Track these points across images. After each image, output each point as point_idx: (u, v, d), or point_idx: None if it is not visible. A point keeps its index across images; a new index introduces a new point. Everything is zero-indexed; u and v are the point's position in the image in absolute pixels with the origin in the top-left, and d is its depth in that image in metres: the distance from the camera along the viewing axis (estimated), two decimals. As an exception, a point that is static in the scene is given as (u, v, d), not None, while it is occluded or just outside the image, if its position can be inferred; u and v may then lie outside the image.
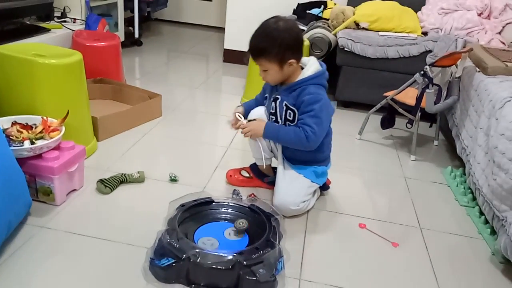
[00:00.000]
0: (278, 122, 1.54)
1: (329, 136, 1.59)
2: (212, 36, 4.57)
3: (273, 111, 1.55)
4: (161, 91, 2.40)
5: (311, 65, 1.49)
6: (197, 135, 2.18)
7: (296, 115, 1.48)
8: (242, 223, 1.34)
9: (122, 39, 3.39)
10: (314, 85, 1.46)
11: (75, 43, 2.47)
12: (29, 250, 1.26)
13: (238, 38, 3.46)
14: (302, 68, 1.50)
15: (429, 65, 2.03)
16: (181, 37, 4.49)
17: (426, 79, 2.00)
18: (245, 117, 1.60)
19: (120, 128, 2.08)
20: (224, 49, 3.60)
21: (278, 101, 1.52)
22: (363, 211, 1.66)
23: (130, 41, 3.74)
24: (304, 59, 1.52)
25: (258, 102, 1.68)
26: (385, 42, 2.53)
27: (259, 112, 1.61)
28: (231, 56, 3.57)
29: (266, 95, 1.61)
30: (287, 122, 1.51)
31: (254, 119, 1.55)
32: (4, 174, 1.18)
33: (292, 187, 1.53)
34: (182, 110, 2.48)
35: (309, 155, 1.55)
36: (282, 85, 1.52)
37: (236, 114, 1.56)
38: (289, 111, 1.49)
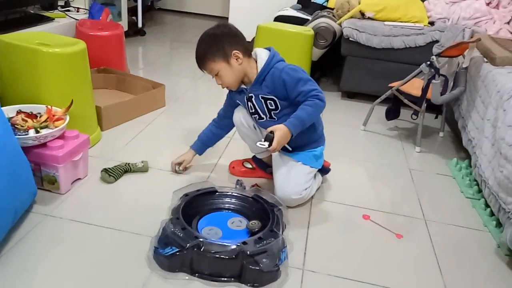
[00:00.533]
0: (262, 118, 1.52)
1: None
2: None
3: (253, 111, 1.53)
4: (164, 81, 2.39)
5: (260, 52, 1.48)
6: (200, 125, 2.15)
7: (278, 102, 1.47)
8: (255, 224, 1.33)
9: (126, 28, 3.38)
10: (278, 63, 1.45)
11: (78, 32, 2.46)
12: (34, 238, 1.26)
13: (242, 28, 3.41)
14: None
15: (435, 55, 2.00)
16: (184, 26, 4.46)
17: (433, 70, 1.98)
18: (203, 144, 1.69)
19: (124, 118, 2.08)
20: (228, 39, 3.58)
21: (253, 99, 1.50)
22: (367, 202, 1.65)
23: (134, 31, 3.73)
24: (253, 53, 1.50)
25: (223, 117, 1.68)
26: (391, 32, 2.50)
27: (240, 118, 1.60)
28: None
29: (237, 101, 1.59)
30: (272, 112, 1.50)
31: (271, 133, 1.37)
32: (10, 162, 1.19)
33: (291, 176, 1.52)
34: (185, 100, 2.47)
35: (304, 137, 1.50)
36: (248, 84, 1.50)
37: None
38: (269, 101, 1.48)
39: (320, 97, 1.41)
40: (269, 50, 1.49)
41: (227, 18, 3.58)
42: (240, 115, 1.60)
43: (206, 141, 1.71)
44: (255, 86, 1.48)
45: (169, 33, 4.07)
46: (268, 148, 1.36)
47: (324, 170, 1.68)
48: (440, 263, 1.36)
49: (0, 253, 1.18)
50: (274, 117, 1.50)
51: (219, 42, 1.43)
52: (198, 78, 2.89)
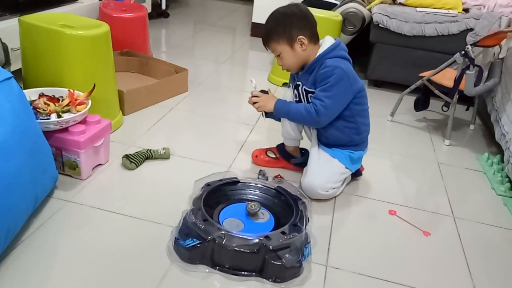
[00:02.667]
0: None
1: (365, 116, 1.50)
2: (239, 8, 4.46)
3: (297, 99, 1.51)
4: (186, 65, 2.35)
5: (325, 42, 1.44)
6: (222, 112, 2.14)
7: None
8: (254, 206, 1.30)
9: (149, 10, 3.34)
10: (331, 58, 1.39)
11: (102, 14, 2.44)
12: (54, 224, 1.26)
13: (268, 11, 3.33)
14: None
15: (471, 45, 1.90)
16: (208, 8, 4.40)
17: (467, 60, 1.88)
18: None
19: (146, 103, 2.05)
20: (252, 22, 3.51)
21: (299, 88, 1.47)
22: (393, 197, 1.59)
23: (157, 13, 3.69)
24: (321, 40, 1.46)
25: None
26: (422, 19, 2.39)
27: (289, 97, 1.57)
28: (259, 30, 3.45)
29: (291, 81, 1.57)
30: None
31: (266, 91, 1.52)
32: (31, 147, 1.17)
33: (324, 170, 1.47)
34: (208, 86, 2.43)
35: (344, 136, 1.48)
36: (301, 71, 1.48)
37: (251, 79, 1.56)
38: (309, 94, 1.44)
39: (319, 111, 1.39)
40: (335, 40, 1.45)
41: (252, 1, 3.50)
42: (289, 98, 1.57)
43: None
44: (305, 75, 1.45)
45: (192, 16, 4.02)
46: (252, 93, 1.51)
47: (356, 173, 1.62)
48: (469, 263, 1.31)
49: (21, 238, 1.18)
50: None
51: (286, 24, 1.38)
52: (221, 62, 2.84)
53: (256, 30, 3.50)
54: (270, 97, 1.50)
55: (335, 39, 1.46)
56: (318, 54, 1.42)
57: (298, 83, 1.48)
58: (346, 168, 1.50)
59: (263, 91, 1.53)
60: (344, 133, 1.47)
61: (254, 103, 1.51)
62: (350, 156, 1.51)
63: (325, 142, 1.53)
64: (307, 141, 1.64)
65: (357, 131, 1.49)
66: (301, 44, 1.39)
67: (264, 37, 1.44)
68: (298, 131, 1.60)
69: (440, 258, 1.32)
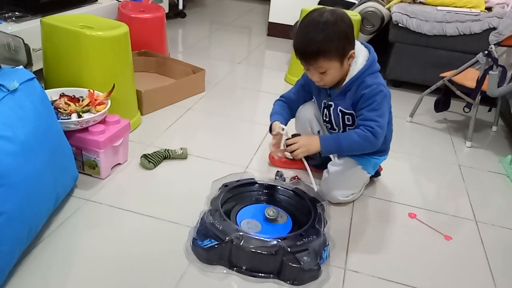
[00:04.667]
0: (334, 130, 1.41)
1: (391, 124, 1.46)
2: (256, 8, 4.45)
3: (327, 119, 1.41)
4: (203, 65, 2.36)
5: (358, 55, 1.30)
6: (239, 112, 2.13)
7: (355, 117, 1.34)
8: (273, 212, 1.29)
9: (167, 10, 3.36)
10: (369, 76, 1.29)
11: (120, 14, 2.46)
12: (74, 222, 1.27)
13: (284, 11, 3.33)
14: None
15: (494, 44, 1.86)
16: (225, 8, 4.40)
17: (490, 60, 1.84)
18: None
19: (164, 103, 2.06)
20: (269, 22, 3.49)
21: (332, 108, 1.37)
22: (413, 199, 1.57)
23: (174, 13, 3.70)
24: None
25: (293, 101, 1.50)
26: (443, 18, 2.35)
27: (307, 116, 1.48)
28: (276, 30, 3.46)
29: (314, 95, 1.46)
30: (347, 128, 1.38)
31: (299, 134, 1.33)
32: (53, 147, 1.19)
33: (345, 176, 1.43)
34: (224, 86, 2.43)
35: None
36: (334, 88, 1.36)
37: (279, 127, 1.33)
38: (346, 116, 1.35)
39: (377, 133, 1.27)
40: (368, 51, 1.33)
41: (268, 0, 3.48)
42: (311, 117, 1.47)
43: (284, 114, 1.47)
44: (340, 95, 1.34)
45: (209, 16, 4.03)
46: (286, 143, 1.26)
47: (375, 174, 1.58)
48: (492, 269, 1.27)
49: (42, 236, 1.19)
50: (347, 129, 1.39)
51: (340, 38, 1.22)
52: (238, 62, 2.83)
53: (273, 29, 3.49)
54: (309, 138, 1.30)
55: (367, 48, 1.34)
56: (356, 72, 1.30)
57: (330, 103, 1.37)
58: (368, 173, 1.48)
59: (295, 135, 1.32)
60: None
61: (293, 151, 1.30)
62: (375, 162, 1.47)
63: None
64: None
65: (385, 139, 1.42)
66: (349, 59, 1.27)
67: (311, 54, 1.23)
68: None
69: (462, 263, 1.29)
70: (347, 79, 1.31)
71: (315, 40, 1.21)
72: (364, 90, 1.29)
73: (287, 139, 1.31)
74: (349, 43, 1.26)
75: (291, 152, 1.31)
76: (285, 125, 1.41)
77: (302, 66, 1.31)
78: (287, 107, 1.50)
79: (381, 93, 1.28)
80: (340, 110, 1.36)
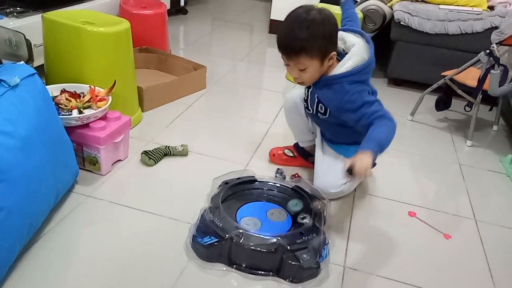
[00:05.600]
0: (309, 110, 1.43)
1: None
2: (257, 5, 4.44)
3: (305, 98, 1.44)
4: (204, 61, 2.35)
5: (349, 58, 1.30)
6: (240, 109, 2.13)
7: (328, 110, 1.36)
8: (296, 204, 1.30)
9: (168, 7, 3.35)
10: (351, 82, 1.28)
11: (122, 11, 2.46)
12: (75, 218, 1.27)
13: (286, 8, 3.31)
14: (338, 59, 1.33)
15: (496, 44, 1.85)
16: (226, 5, 4.39)
17: (492, 59, 1.83)
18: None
19: (164, 99, 2.06)
20: (271, 19, 3.49)
21: (310, 90, 1.39)
22: (413, 198, 1.57)
23: (175, 9, 3.70)
24: (350, 41, 1.33)
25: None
26: (445, 17, 2.34)
27: (299, 97, 1.52)
28: (278, 27, 3.45)
29: None
30: (319, 114, 1.40)
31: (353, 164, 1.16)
32: (53, 143, 1.19)
33: (331, 169, 1.44)
34: (226, 83, 2.43)
35: (351, 137, 1.43)
36: None
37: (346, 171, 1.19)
38: (320, 104, 1.37)
39: (388, 117, 1.25)
40: (367, 59, 1.31)
41: (270, -2, 3.48)
42: (296, 97, 1.52)
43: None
44: (318, 84, 1.35)
45: (210, 12, 4.02)
46: (346, 170, 1.16)
47: None
48: (492, 268, 1.28)
49: (42, 232, 1.20)
50: (321, 117, 1.41)
51: (324, 38, 1.23)
52: (239, 59, 2.83)
53: (275, 27, 3.48)
54: (360, 156, 1.16)
55: (369, 57, 1.32)
56: (338, 71, 1.30)
57: (311, 89, 1.39)
58: None
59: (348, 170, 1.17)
60: (351, 134, 1.40)
61: (362, 173, 1.16)
62: (357, 150, 1.46)
63: (330, 138, 1.51)
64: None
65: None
66: (330, 60, 1.28)
67: (294, 49, 1.24)
68: (309, 132, 1.59)
69: (461, 261, 1.30)
70: (329, 74, 1.31)
71: (299, 37, 1.22)
72: (346, 101, 1.28)
73: (346, 168, 1.17)
74: (332, 44, 1.27)
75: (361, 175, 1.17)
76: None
77: (282, 60, 1.32)
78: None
79: (357, 94, 1.27)
80: (317, 97, 1.37)
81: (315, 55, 1.25)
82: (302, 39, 1.22)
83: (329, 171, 1.45)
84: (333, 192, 1.44)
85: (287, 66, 1.33)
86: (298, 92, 1.54)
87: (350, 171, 1.14)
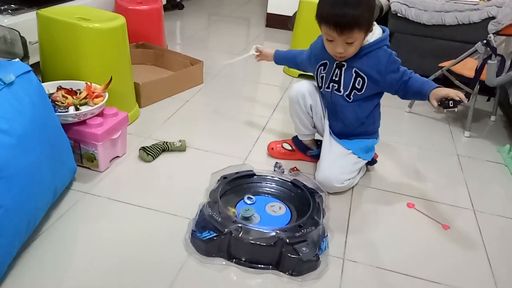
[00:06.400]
0: (340, 92, 1.43)
1: (379, 106, 1.51)
2: (254, -1, 4.42)
3: (336, 79, 1.43)
4: (201, 56, 2.35)
5: (375, 28, 1.37)
6: (238, 104, 2.13)
7: (366, 83, 1.39)
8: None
9: (164, 2, 3.34)
10: (386, 47, 1.37)
11: (117, 6, 2.44)
12: (73, 216, 1.27)
13: (283, 2, 3.31)
14: None
15: (493, 34, 1.85)
16: (223, 0, 4.37)
17: (489, 49, 1.83)
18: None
19: (162, 95, 2.06)
20: (267, 13, 3.47)
21: (344, 68, 1.40)
22: (411, 189, 1.57)
23: (171, 4, 3.68)
24: None
25: (295, 57, 1.64)
26: (442, 8, 2.33)
27: (306, 91, 1.52)
28: (274, 21, 3.44)
29: (320, 63, 1.46)
30: (353, 92, 1.41)
31: (446, 100, 1.28)
32: (50, 140, 1.19)
33: (337, 163, 1.45)
34: (223, 77, 2.42)
35: (361, 128, 1.47)
36: None
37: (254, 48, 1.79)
38: (358, 78, 1.39)
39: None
40: (383, 31, 1.40)
41: (267, -9, 3.46)
42: (304, 90, 1.52)
43: (285, 58, 1.73)
44: (356, 57, 1.37)
45: (207, 7, 4.00)
46: (460, 102, 1.24)
47: (371, 161, 1.60)
48: (490, 258, 1.28)
49: (41, 230, 1.20)
50: (351, 97, 1.43)
51: (371, 10, 1.29)
52: (236, 54, 2.82)
53: (272, 20, 3.47)
54: (439, 90, 1.30)
55: (383, 29, 1.41)
56: (372, 39, 1.35)
57: (343, 63, 1.39)
58: (359, 158, 1.49)
59: (454, 103, 1.26)
60: (361, 125, 1.46)
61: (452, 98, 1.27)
62: (365, 146, 1.50)
63: (339, 131, 1.51)
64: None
65: (373, 120, 1.51)
66: (370, 31, 1.33)
67: (350, 23, 1.25)
68: (310, 127, 1.59)
69: (459, 252, 1.30)
70: (365, 43, 1.36)
71: (352, 12, 1.24)
72: (391, 61, 1.38)
73: (440, 102, 1.28)
74: (373, 16, 1.32)
75: (453, 101, 1.26)
76: (277, 58, 1.73)
77: (327, 37, 1.33)
78: (293, 55, 1.67)
79: (397, 59, 1.40)
80: (355, 71, 1.39)
81: (365, 28, 1.29)
82: (355, 14, 1.24)
83: (335, 165, 1.45)
84: (337, 186, 1.44)
85: (330, 42, 1.34)
86: (306, 85, 1.54)
87: (444, 103, 1.26)
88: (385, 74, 1.38)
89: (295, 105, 1.56)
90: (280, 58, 1.73)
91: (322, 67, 1.47)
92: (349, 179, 1.46)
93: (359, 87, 1.41)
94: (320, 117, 1.55)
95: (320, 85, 1.50)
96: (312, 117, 1.56)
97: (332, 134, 1.53)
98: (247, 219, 1.24)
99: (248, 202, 1.33)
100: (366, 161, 1.54)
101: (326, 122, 1.53)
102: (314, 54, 1.51)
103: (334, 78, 1.44)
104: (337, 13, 1.25)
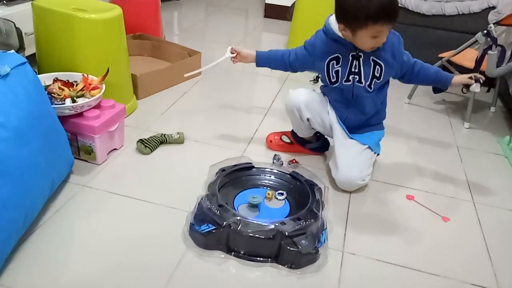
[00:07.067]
0: (361, 83, 1.41)
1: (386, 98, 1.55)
2: (252, -11, 4.38)
3: (356, 70, 1.40)
4: (199, 47, 2.32)
5: None
6: (236, 95, 2.11)
7: (383, 70, 1.39)
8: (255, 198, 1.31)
9: (161, -8, 3.30)
10: (391, 31, 1.37)
11: (114, -3, 2.41)
12: (71, 209, 1.26)
13: (281, -8, 3.28)
14: None
15: (493, 24, 1.83)
16: (221, -10, 4.33)
17: (489, 39, 1.82)
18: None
19: (159, 87, 2.04)
20: (266, 3, 3.44)
21: (361, 59, 1.38)
22: (411, 181, 1.56)
23: (169, -5, 3.64)
24: None
25: (291, 60, 1.51)
26: (442, -3, 2.31)
27: (303, 103, 1.47)
28: (273, 11, 3.41)
29: (330, 57, 1.41)
30: (374, 80, 1.40)
31: (475, 80, 1.51)
32: (46, 132, 1.17)
33: (356, 161, 1.43)
34: (221, 69, 2.40)
35: (375, 117, 1.51)
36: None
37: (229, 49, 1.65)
38: (377, 66, 1.39)
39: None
40: None
41: (265, -18, 3.43)
42: (299, 103, 1.47)
43: (270, 58, 1.57)
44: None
45: (204, -3, 3.96)
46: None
47: None
48: (490, 249, 1.28)
49: (38, 223, 1.19)
50: (372, 87, 1.42)
51: None
52: (234, 45, 2.79)
53: (270, 11, 3.44)
54: (461, 76, 1.54)
55: None
56: None
57: (360, 54, 1.37)
58: (374, 152, 1.49)
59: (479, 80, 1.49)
60: (378, 113, 1.52)
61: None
62: (379, 138, 1.52)
63: (352, 126, 1.49)
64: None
65: (383, 107, 1.54)
66: None
67: (397, 14, 1.30)
68: (309, 130, 1.58)
69: (459, 243, 1.30)
70: None
71: (396, 2, 1.32)
72: (401, 43, 1.42)
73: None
74: None
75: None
76: (259, 60, 1.59)
77: (374, 34, 1.28)
78: (281, 55, 1.55)
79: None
80: (372, 59, 1.38)
81: None
82: (397, 3, 1.31)
83: (354, 163, 1.42)
84: (360, 183, 1.42)
85: (374, 38, 1.30)
86: (303, 96, 1.48)
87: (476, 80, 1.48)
88: (398, 56, 1.41)
89: (291, 115, 1.54)
90: (263, 60, 1.57)
91: (335, 61, 1.41)
92: (369, 175, 1.45)
93: (378, 75, 1.40)
94: (321, 124, 1.51)
95: (334, 80, 1.44)
96: (310, 126, 1.54)
97: (345, 130, 1.48)
98: (255, 206, 1.24)
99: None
100: (377, 155, 1.53)
101: (335, 121, 1.49)
102: (319, 50, 1.43)
103: (353, 70, 1.41)
104: (391, 6, 1.26)
